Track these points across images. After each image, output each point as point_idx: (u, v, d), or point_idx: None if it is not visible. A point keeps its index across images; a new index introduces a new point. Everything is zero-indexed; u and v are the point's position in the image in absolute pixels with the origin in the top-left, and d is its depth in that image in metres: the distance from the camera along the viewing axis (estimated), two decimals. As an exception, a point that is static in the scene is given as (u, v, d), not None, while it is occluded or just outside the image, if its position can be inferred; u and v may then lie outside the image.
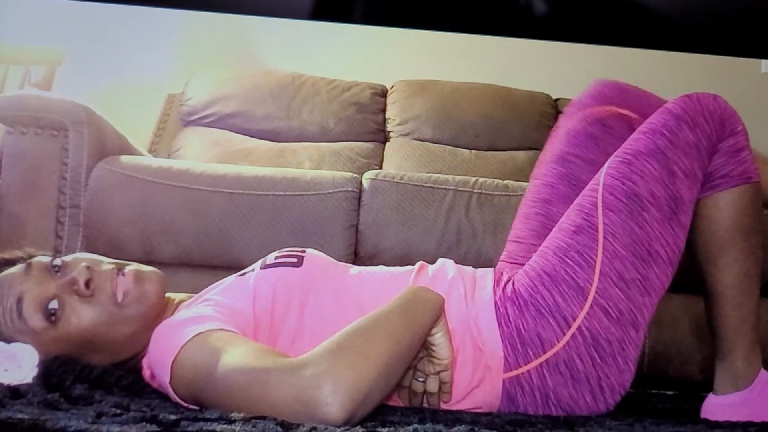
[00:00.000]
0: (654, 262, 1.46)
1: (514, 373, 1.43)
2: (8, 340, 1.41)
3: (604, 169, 1.53)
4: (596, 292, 1.44)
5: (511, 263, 1.69)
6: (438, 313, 1.34)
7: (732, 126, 1.52)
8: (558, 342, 1.43)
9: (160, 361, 1.31)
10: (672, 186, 1.48)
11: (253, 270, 1.51)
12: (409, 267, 1.58)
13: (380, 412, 1.24)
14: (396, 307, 1.30)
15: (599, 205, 1.49)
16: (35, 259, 1.48)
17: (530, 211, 1.71)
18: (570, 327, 1.43)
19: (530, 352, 1.43)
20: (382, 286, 1.50)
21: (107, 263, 1.47)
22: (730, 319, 1.53)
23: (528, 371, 1.43)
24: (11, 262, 1.50)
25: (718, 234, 1.52)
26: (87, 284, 1.41)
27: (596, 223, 1.48)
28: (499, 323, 1.45)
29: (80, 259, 1.47)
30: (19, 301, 1.41)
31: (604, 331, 1.43)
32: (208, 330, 1.29)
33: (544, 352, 1.43)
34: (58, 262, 1.46)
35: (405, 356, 1.26)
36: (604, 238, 1.46)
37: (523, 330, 1.44)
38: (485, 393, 1.44)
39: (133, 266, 1.47)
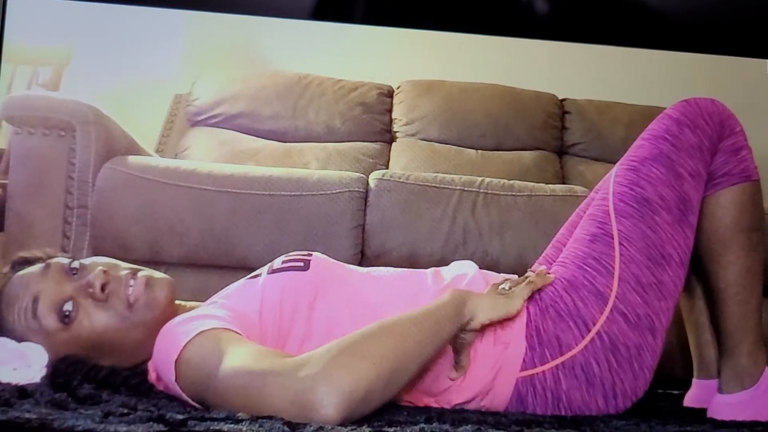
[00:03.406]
0: (668, 265, 1.48)
1: (529, 372, 1.44)
2: (19, 339, 1.41)
3: (611, 178, 1.56)
4: (616, 297, 1.45)
5: (545, 264, 1.70)
6: (459, 310, 1.36)
7: (731, 126, 1.55)
8: (576, 345, 1.44)
9: (163, 360, 1.31)
10: (679, 188, 1.50)
11: (261, 275, 1.51)
12: (420, 270, 1.58)
13: (387, 412, 1.24)
14: (412, 312, 1.31)
15: (611, 212, 1.51)
16: (54, 260, 1.48)
17: (577, 221, 1.71)
18: (590, 331, 1.44)
19: (548, 353, 1.44)
20: (391, 287, 1.51)
21: (124, 268, 1.47)
22: (733, 316, 1.54)
23: (543, 372, 1.43)
24: (30, 262, 1.50)
25: (720, 231, 1.53)
26: (102, 288, 1.42)
27: (611, 231, 1.50)
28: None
29: (98, 263, 1.47)
30: (35, 301, 1.41)
31: (623, 336, 1.44)
32: (211, 328, 1.29)
33: (562, 354, 1.44)
34: (76, 264, 1.46)
35: (415, 355, 1.26)
36: (620, 244, 1.48)
37: (542, 331, 1.45)
38: (496, 391, 1.44)
39: (145, 272, 1.47)
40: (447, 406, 1.44)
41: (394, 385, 1.23)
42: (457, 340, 1.39)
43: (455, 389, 1.43)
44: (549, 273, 1.53)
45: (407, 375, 1.26)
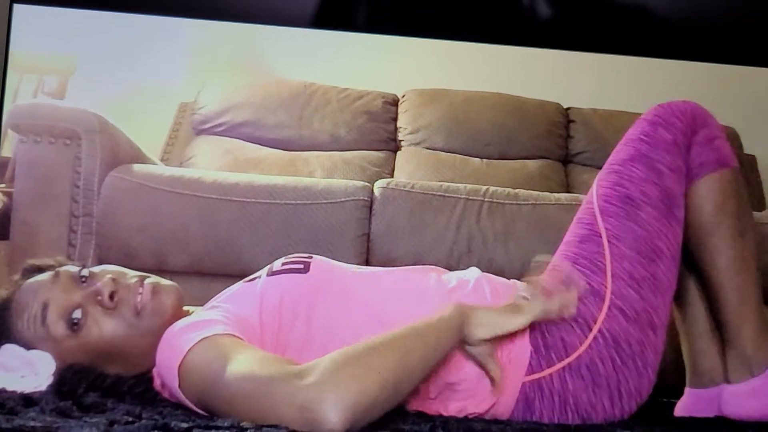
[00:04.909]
0: (659, 259, 1.50)
1: (536, 376, 1.44)
2: (28, 347, 1.42)
3: (594, 183, 1.59)
4: (612, 293, 1.46)
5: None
6: (459, 324, 1.34)
7: (703, 119, 1.58)
8: (580, 345, 1.44)
9: (166, 367, 1.31)
10: (661, 183, 1.53)
11: (260, 277, 1.51)
12: (426, 266, 1.58)
13: (391, 420, 1.24)
14: (416, 324, 1.31)
15: (597, 213, 1.54)
16: (63, 267, 1.49)
17: None
18: (591, 330, 1.45)
19: (553, 356, 1.44)
20: (393, 287, 1.50)
21: (132, 276, 1.48)
22: (730, 303, 1.55)
23: (550, 375, 1.44)
24: (41, 269, 1.51)
25: (703, 220, 1.55)
26: (111, 296, 1.42)
27: (598, 230, 1.52)
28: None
29: (107, 270, 1.48)
30: (44, 308, 1.42)
31: (624, 333, 1.45)
32: (213, 334, 1.29)
33: (567, 356, 1.44)
34: (85, 272, 1.46)
35: (418, 368, 1.26)
36: (609, 242, 1.50)
37: (547, 334, 1.45)
38: (500, 398, 1.44)
39: (152, 279, 1.48)
40: (459, 415, 1.44)
41: (397, 396, 1.23)
42: (474, 355, 1.38)
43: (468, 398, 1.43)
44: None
45: (410, 386, 1.26)
